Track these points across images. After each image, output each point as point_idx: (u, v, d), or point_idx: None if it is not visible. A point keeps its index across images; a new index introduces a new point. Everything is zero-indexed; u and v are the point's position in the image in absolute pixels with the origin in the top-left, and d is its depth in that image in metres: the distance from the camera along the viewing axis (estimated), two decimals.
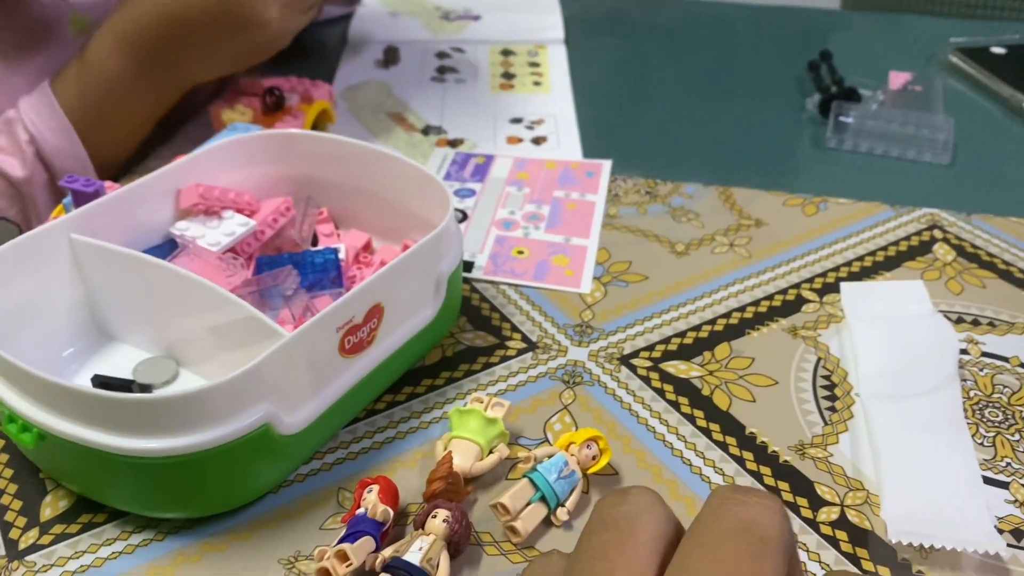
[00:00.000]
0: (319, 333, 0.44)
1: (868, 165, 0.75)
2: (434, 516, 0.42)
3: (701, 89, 0.87)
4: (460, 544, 0.42)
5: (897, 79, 0.85)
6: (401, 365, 0.52)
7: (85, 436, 0.40)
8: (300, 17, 0.68)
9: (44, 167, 0.65)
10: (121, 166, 0.72)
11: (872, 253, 0.63)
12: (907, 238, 0.65)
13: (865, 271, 0.62)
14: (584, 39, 0.95)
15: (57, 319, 0.51)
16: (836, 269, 0.62)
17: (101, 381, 0.49)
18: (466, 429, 0.47)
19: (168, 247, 0.56)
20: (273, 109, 0.73)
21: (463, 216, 0.67)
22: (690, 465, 0.48)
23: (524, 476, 0.45)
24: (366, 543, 0.40)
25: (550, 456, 0.45)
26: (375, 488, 0.43)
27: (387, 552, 0.40)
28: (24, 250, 0.48)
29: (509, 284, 0.61)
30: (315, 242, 0.59)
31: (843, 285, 0.59)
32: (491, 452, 0.47)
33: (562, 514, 0.44)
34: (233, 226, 0.56)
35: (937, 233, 0.65)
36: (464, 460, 0.45)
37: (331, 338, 0.45)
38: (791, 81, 0.88)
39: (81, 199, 0.56)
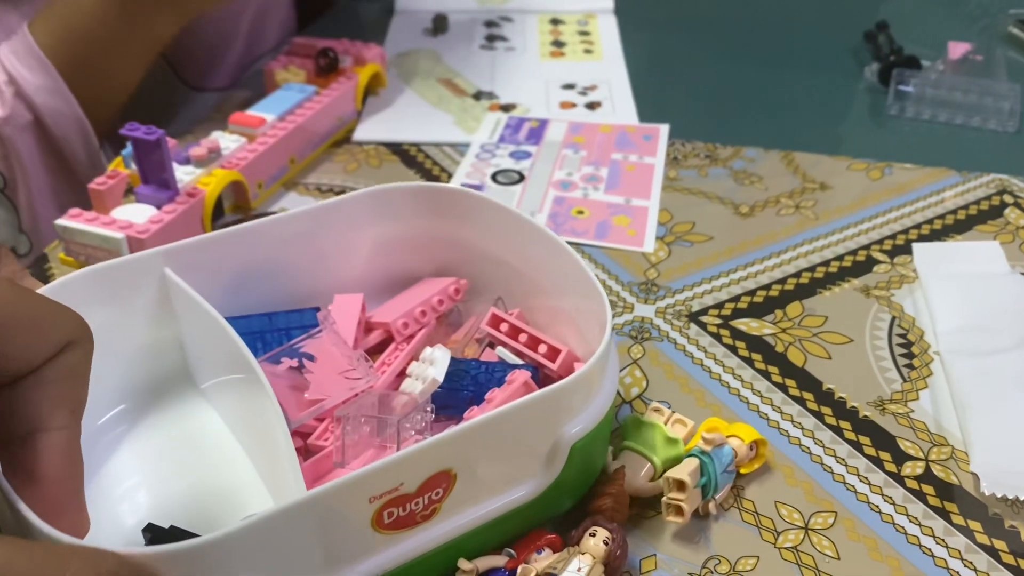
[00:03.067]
0: (337, 501, 0.32)
1: (931, 132, 0.73)
2: (592, 534, 0.37)
3: (755, 58, 0.86)
4: (617, 569, 0.37)
5: (956, 49, 0.83)
6: (483, 542, 0.38)
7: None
8: None
9: (26, 107, 0.63)
10: (119, 109, 0.69)
11: (941, 217, 0.62)
12: (976, 202, 0.63)
13: (935, 234, 0.60)
14: (635, 9, 0.94)
15: (122, 364, 0.44)
16: (905, 232, 0.60)
17: (155, 536, 0.37)
18: (643, 443, 0.42)
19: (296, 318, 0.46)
20: (326, 71, 0.72)
21: (520, 177, 0.66)
22: (767, 419, 0.47)
23: (696, 456, 0.41)
24: None
25: (719, 444, 0.41)
26: (546, 552, 0.38)
27: (541, 566, 0.36)
28: (107, 277, 0.42)
29: (570, 243, 0.59)
30: None
31: (915, 246, 0.58)
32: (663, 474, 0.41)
33: (712, 507, 0.41)
34: (414, 383, 0.42)
35: (1007, 198, 0.64)
36: (633, 475, 0.41)
37: (360, 509, 0.33)
38: (846, 50, 0.86)
39: (142, 148, 0.55)
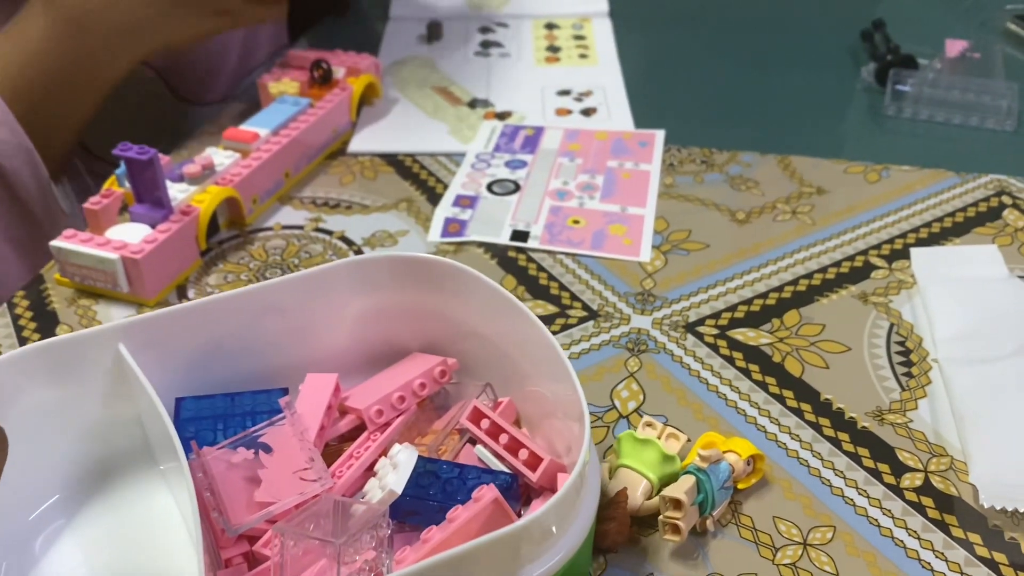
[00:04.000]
0: None
1: (929, 132, 0.73)
2: None
3: (751, 60, 0.86)
4: None
5: (954, 47, 0.83)
6: None
7: None
8: None
9: None
10: (69, 145, 0.68)
11: (939, 219, 0.61)
12: (975, 204, 0.63)
13: (933, 237, 0.60)
14: (630, 11, 0.94)
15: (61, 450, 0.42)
16: (903, 236, 0.60)
17: None
18: (639, 461, 0.42)
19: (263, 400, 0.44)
20: (321, 82, 0.72)
21: (515, 187, 0.66)
22: (765, 432, 0.46)
23: (692, 474, 0.40)
24: None
25: (716, 460, 0.41)
26: None
27: None
28: (55, 354, 0.40)
29: (566, 253, 0.59)
30: None
31: (913, 251, 0.57)
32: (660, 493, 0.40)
33: (710, 523, 0.41)
34: (375, 489, 0.38)
35: (1006, 199, 0.63)
36: (631, 495, 0.41)
37: None
38: (842, 51, 0.86)
39: (135, 168, 0.55)
